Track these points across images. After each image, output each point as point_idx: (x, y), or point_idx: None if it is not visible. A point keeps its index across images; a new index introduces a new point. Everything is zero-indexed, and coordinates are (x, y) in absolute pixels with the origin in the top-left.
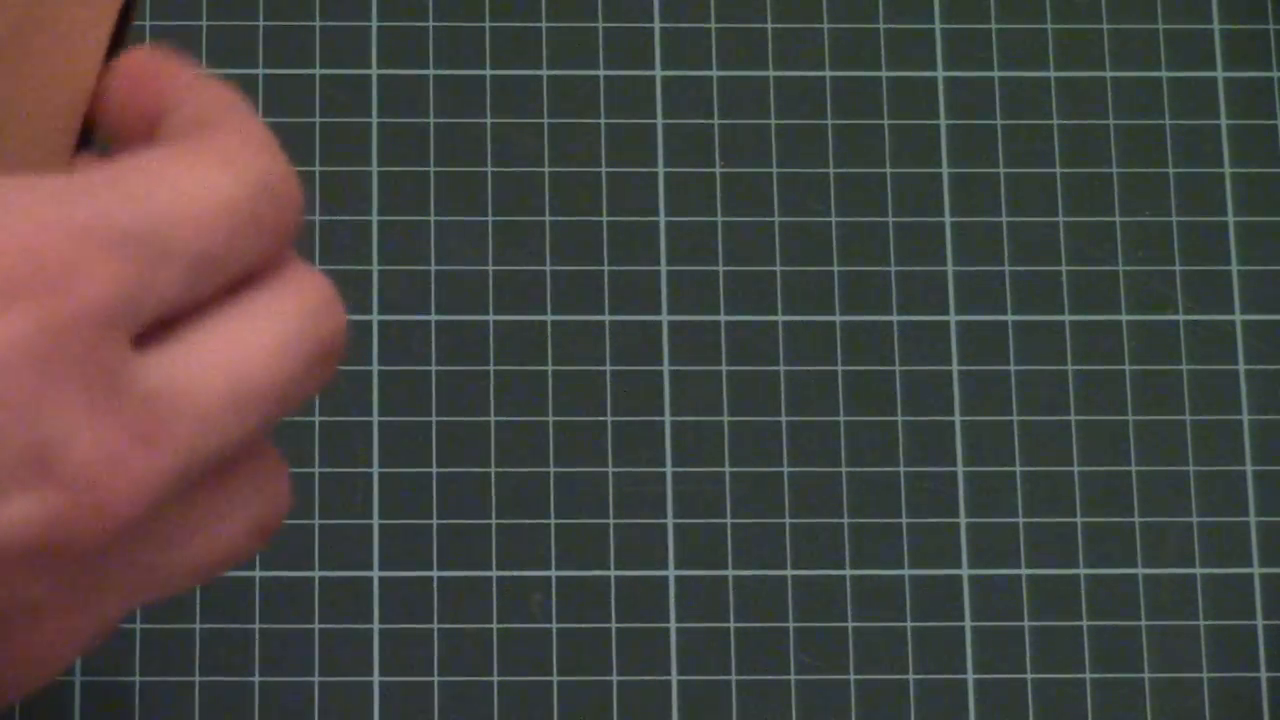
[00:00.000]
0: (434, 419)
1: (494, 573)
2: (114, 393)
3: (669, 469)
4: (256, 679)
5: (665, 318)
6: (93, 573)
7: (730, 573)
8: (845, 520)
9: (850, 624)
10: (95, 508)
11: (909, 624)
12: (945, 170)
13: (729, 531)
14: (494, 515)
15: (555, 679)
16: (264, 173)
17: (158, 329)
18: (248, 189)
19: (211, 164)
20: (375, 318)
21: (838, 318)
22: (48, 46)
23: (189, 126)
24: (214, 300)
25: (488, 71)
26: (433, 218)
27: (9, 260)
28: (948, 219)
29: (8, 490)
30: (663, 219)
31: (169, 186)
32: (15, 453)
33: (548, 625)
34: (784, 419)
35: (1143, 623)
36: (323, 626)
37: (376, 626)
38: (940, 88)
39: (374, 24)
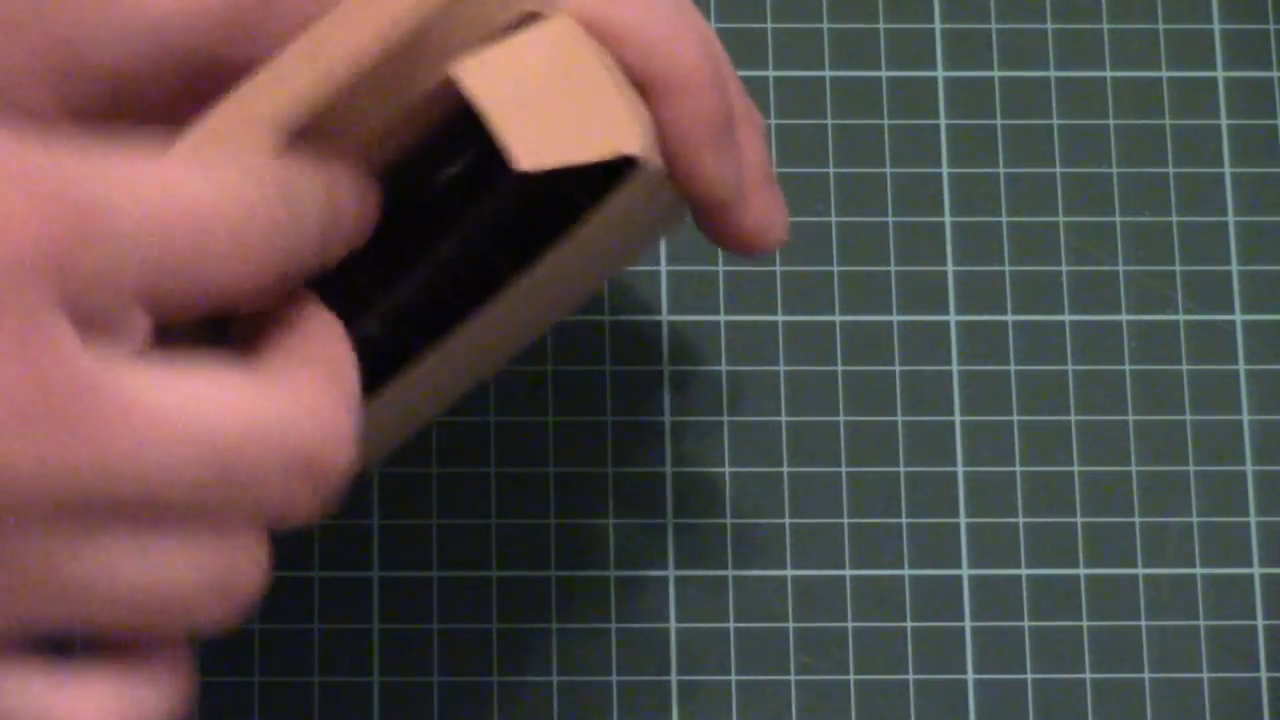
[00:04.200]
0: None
1: (494, 573)
2: (37, 354)
3: (669, 469)
4: (256, 679)
5: (666, 318)
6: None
7: (730, 573)
8: (845, 520)
9: (850, 624)
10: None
11: (909, 624)
12: (945, 170)
13: (729, 531)
14: (494, 515)
15: (555, 679)
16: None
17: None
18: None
19: (199, 175)
20: None
21: (838, 318)
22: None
23: None
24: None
25: None
26: None
27: None
28: (948, 219)
29: None
30: None
31: (156, 190)
32: None
33: (547, 625)
34: (784, 419)
35: (1143, 623)
36: (323, 626)
37: (376, 626)
38: (940, 88)
39: None
